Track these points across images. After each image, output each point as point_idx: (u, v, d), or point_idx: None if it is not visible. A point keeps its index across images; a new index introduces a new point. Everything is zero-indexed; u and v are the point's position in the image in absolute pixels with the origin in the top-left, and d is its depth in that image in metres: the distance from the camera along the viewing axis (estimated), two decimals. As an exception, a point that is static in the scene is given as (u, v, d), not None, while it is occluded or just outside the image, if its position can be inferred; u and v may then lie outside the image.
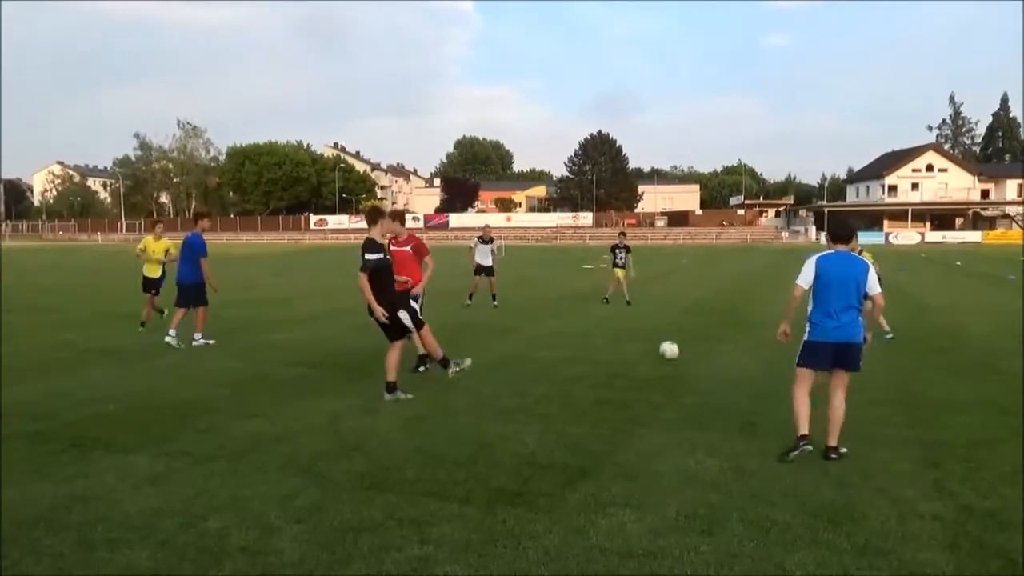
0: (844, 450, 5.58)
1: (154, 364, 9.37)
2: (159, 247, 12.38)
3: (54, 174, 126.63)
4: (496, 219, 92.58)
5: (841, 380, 5.72)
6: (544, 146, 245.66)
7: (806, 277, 5.66)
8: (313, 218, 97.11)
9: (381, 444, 5.92)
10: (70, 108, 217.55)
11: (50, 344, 10.87)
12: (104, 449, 5.76)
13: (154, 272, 12.39)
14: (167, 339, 10.40)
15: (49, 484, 4.97)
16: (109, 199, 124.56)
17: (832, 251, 5.74)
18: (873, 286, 5.64)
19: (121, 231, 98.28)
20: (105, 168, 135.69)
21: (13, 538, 4.11)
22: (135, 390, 7.88)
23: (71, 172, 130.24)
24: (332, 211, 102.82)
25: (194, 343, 10.52)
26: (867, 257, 12.76)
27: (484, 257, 16.35)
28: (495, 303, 15.90)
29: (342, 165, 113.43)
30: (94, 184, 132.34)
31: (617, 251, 16.93)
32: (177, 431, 6.28)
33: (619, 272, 16.72)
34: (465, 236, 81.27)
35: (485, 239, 16.49)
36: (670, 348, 9.72)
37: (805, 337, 5.73)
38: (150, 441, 5.97)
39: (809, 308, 5.73)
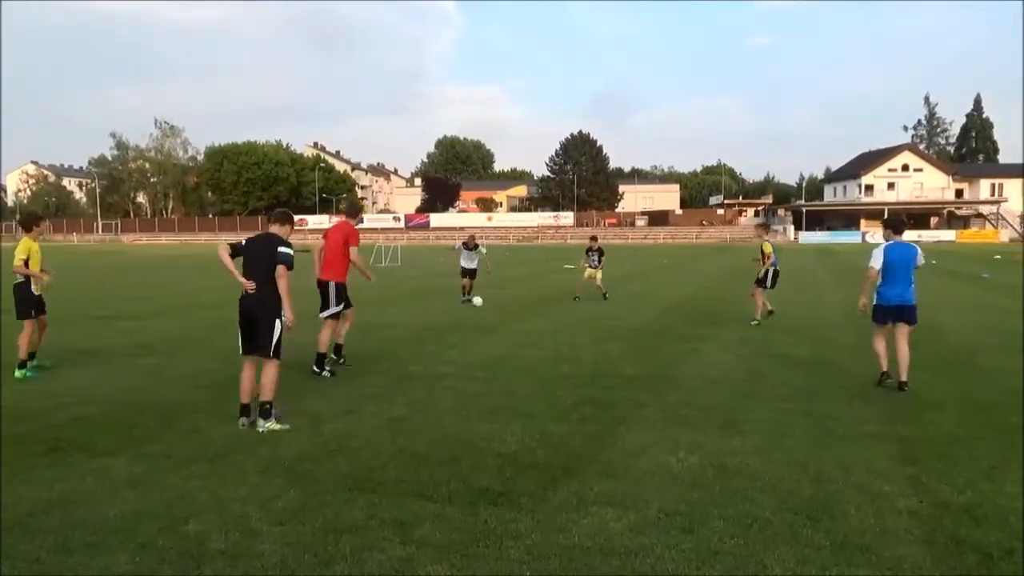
0: (909, 384, 7.77)
1: (134, 366, 9.27)
2: None
3: (28, 174, 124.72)
4: (477, 219, 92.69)
5: (903, 332, 8.01)
6: (525, 146, 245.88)
7: (877, 261, 7.95)
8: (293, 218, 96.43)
9: (363, 445, 5.89)
10: (45, 107, 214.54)
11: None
12: (83, 452, 5.69)
13: None
14: None
15: (27, 488, 4.90)
16: (85, 199, 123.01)
17: (893, 241, 8.03)
18: (919, 260, 8.01)
19: (97, 231, 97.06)
20: (80, 168, 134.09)
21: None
22: (115, 392, 7.79)
23: (45, 172, 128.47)
24: (312, 211, 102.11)
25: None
26: (766, 248, 13.50)
27: (469, 262, 17.10)
28: (466, 298, 16.56)
29: (322, 165, 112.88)
30: (69, 184, 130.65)
31: (590, 254, 17.64)
32: (157, 433, 6.21)
33: (592, 272, 17.47)
34: (446, 236, 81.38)
35: (469, 246, 17.19)
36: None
37: (876, 302, 8.08)
38: (130, 443, 5.91)
39: (879, 282, 8.00)
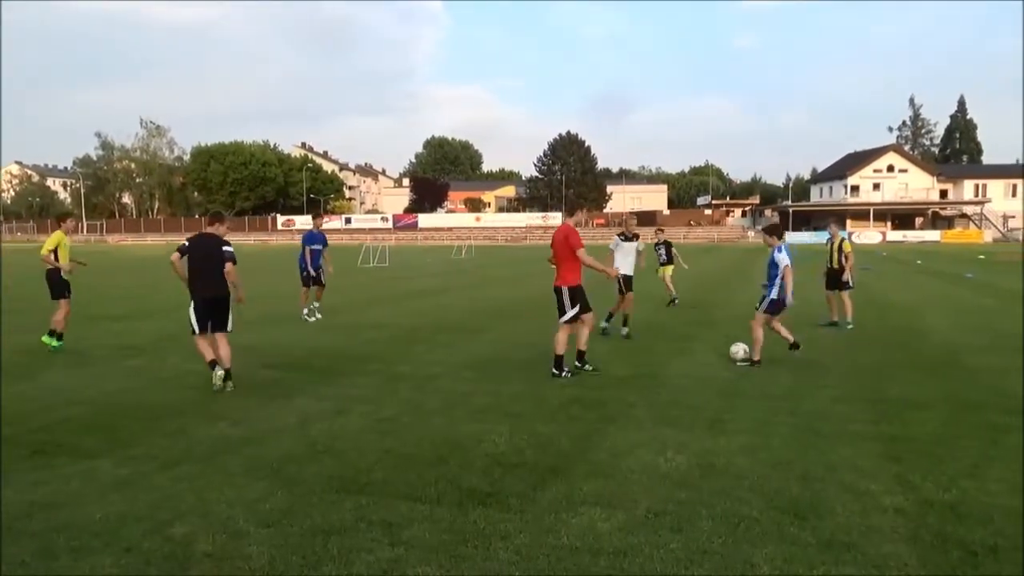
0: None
1: (119, 367, 9.20)
2: None
3: (12, 174, 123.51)
4: (466, 219, 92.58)
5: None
6: (513, 146, 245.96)
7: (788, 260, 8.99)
8: (280, 218, 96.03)
9: (351, 446, 5.88)
10: (29, 107, 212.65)
11: (12, 347, 10.61)
12: (68, 454, 5.65)
13: None
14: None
15: (11, 491, 4.86)
16: (69, 199, 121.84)
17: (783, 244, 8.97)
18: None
19: (82, 232, 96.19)
20: (65, 168, 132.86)
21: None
22: (100, 393, 7.73)
23: (29, 172, 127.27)
24: (300, 211, 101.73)
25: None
26: (846, 247, 13.00)
27: (627, 264, 12.35)
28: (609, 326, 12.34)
29: (310, 165, 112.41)
30: (54, 184, 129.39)
31: (657, 248, 16.77)
32: (143, 435, 6.17)
33: (662, 270, 16.63)
34: (434, 236, 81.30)
35: (628, 235, 12.21)
36: (737, 349, 9.54)
37: (777, 296, 9.07)
38: (115, 446, 5.87)
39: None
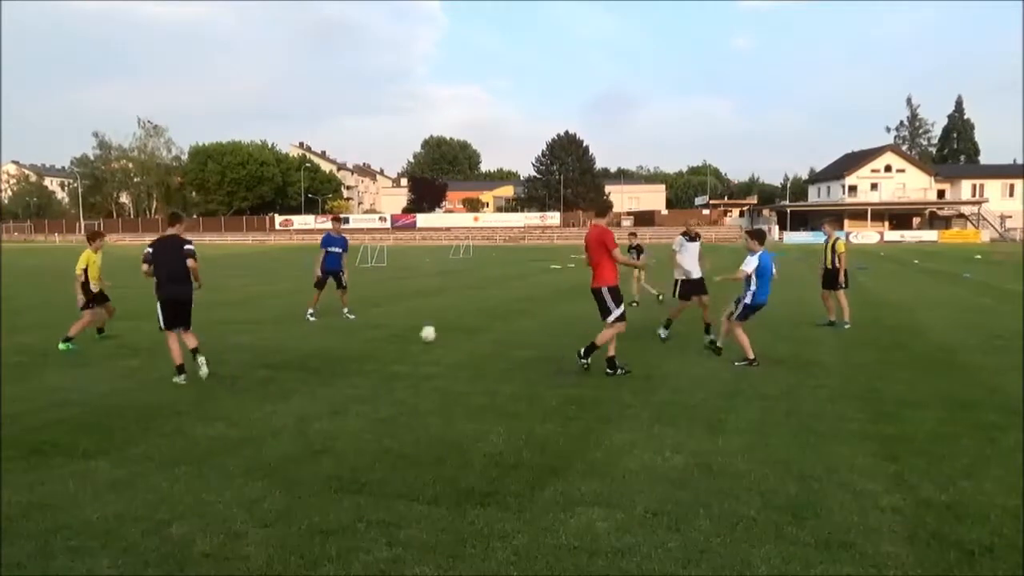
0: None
1: (115, 367, 9.19)
2: None
3: (9, 174, 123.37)
4: (464, 219, 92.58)
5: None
6: (511, 146, 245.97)
7: (751, 266, 9.28)
8: (279, 218, 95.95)
9: (349, 446, 5.88)
10: (25, 106, 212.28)
11: (7, 347, 10.60)
12: (64, 455, 5.64)
13: None
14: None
15: (7, 491, 4.85)
16: (67, 199, 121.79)
17: (762, 251, 9.21)
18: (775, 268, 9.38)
19: (79, 232, 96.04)
20: (63, 168, 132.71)
21: (-31, 548, 4.01)
22: (96, 394, 7.72)
23: (27, 172, 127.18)
24: (298, 211, 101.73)
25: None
26: (839, 247, 12.96)
27: (694, 266, 11.48)
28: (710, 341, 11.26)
29: (307, 165, 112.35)
30: (51, 184, 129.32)
31: (630, 252, 16.78)
32: (140, 435, 6.17)
33: (636, 273, 16.62)
34: (432, 237, 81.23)
35: (691, 235, 11.57)
36: (427, 331, 10.89)
37: (751, 302, 9.34)
38: (112, 446, 5.86)
39: (753, 285, 9.29)
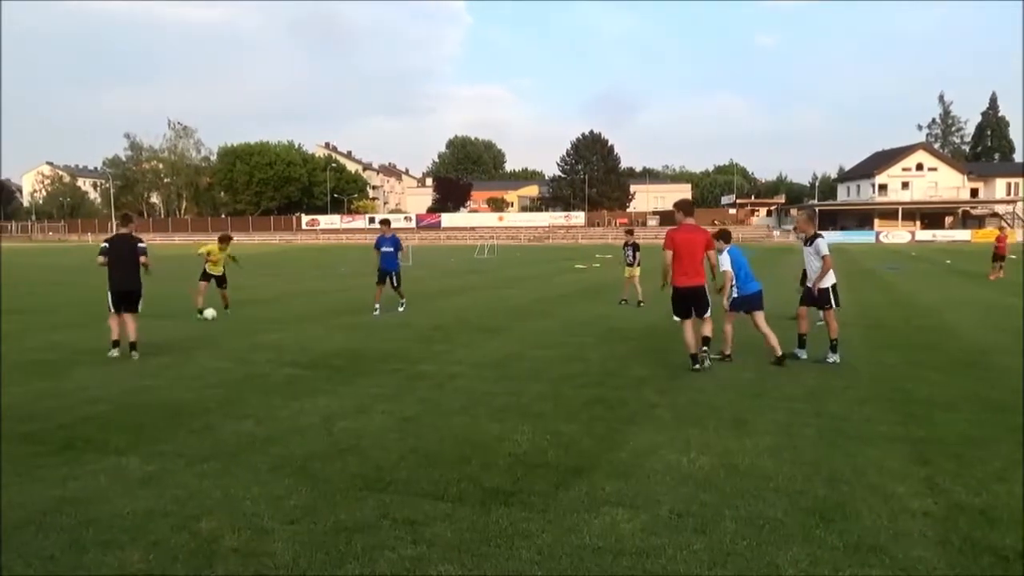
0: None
1: (145, 365, 9.33)
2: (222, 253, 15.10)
3: (43, 175, 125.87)
4: (489, 219, 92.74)
5: (759, 317, 9.55)
6: (536, 146, 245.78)
7: (727, 264, 9.51)
8: (305, 218, 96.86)
9: (374, 444, 5.91)
10: (60, 108, 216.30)
11: (41, 345, 10.81)
12: (96, 450, 5.74)
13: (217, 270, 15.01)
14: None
15: (40, 486, 4.94)
16: (99, 199, 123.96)
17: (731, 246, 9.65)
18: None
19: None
20: (95, 168, 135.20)
21: (4, 540, 4.09)
22: (126, 391, 7.85)
23: (61, 172, 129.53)
24: (324, 211, 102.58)
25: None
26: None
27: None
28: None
29: (333, 165, 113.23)
30: (84, 184, 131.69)
31: (625, 249, 16.84)
32: (169, 432, 6.25)
33: (630, 271, 16.57)
34: (457, 236, 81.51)
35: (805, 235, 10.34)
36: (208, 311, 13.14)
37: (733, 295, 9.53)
38: (142, 442, 5.95)
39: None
